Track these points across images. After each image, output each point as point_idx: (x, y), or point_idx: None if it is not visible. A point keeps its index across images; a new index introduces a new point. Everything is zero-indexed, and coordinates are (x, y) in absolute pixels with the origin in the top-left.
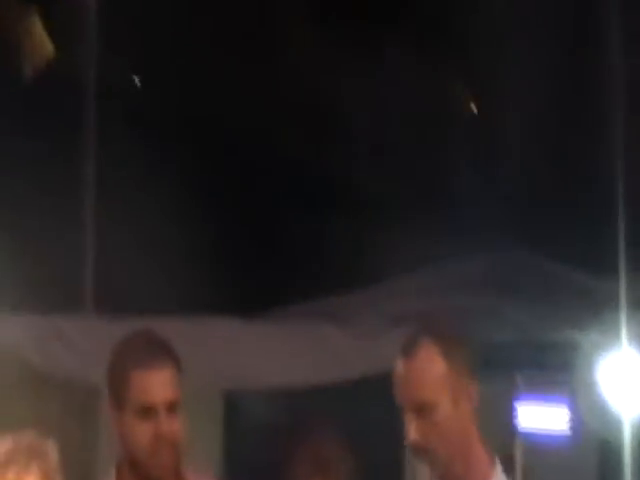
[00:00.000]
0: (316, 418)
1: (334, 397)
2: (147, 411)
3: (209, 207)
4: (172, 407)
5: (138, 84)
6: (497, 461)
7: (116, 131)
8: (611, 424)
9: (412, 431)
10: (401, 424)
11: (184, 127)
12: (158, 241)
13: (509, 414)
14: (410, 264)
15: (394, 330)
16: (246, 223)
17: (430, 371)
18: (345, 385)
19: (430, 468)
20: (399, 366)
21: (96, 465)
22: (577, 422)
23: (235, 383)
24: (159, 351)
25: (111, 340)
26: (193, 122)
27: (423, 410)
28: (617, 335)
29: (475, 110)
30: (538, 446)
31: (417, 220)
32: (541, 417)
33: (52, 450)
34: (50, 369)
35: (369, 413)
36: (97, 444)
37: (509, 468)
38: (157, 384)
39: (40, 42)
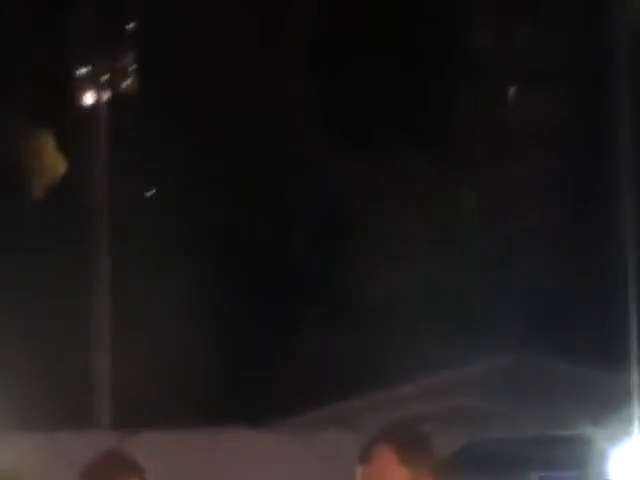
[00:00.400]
0: None
1: None
2: None
3: (219, 316)
4: None
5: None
6: None
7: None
8: None
9: None
10: None
11: (194, 239)
12: (168, 348)
13: None
14: (425, 366)
15: None
16: (259, 333)
17: (386, 475)
18: None
19: None
20: (358, 473)
21: None
22: None
23: None
24: (123, 469)
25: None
26: (204, 232)
27: None
28: (629, 429)
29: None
30: None
31: (429, 323)
32: None
33: None
34: None
35: None
36: None
37: None
38: None
39: (51, 162)
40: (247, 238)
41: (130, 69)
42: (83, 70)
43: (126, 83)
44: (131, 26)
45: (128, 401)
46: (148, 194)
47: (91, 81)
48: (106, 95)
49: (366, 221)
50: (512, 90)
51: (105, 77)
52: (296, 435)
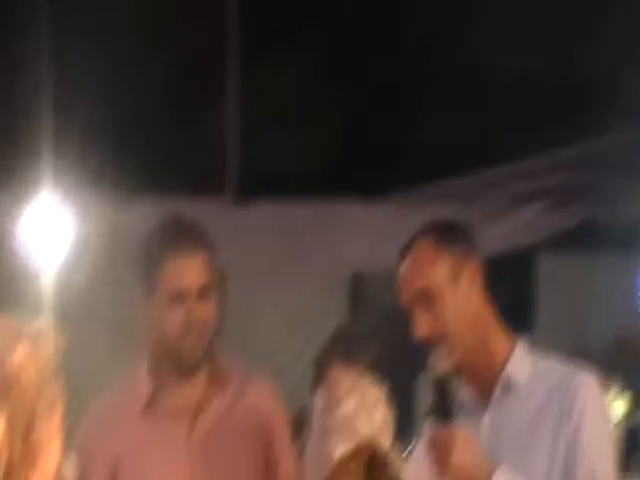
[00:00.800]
0: None
1: None
2: (179, 297)
3: (335, 90)
4: (204, 292)
5: None
6: (519, 341)
7: None
8: None
9: (419, 326)
10: None
11: None
12: (286, 118)
13: (634, 294)
14: (538, 145)
15: (518, 210)
16: (373, 107)
17: (426, 264)
18: None
19: (448, 359)
20: (399, 267)
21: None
22: None
23: (360, 267)
24: (192, 237)
25: (240, 227)
26: None
27: (425, 304)
28: None
29: None
30: None
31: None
32: None
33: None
34: None
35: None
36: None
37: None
38: (189, 270)
39: None
40: None
41: None
42: None
43: None
44: None
45: (252, 175)
46: None
47: None
48: None
49: None
50: None
51: None
52: (413, 208)
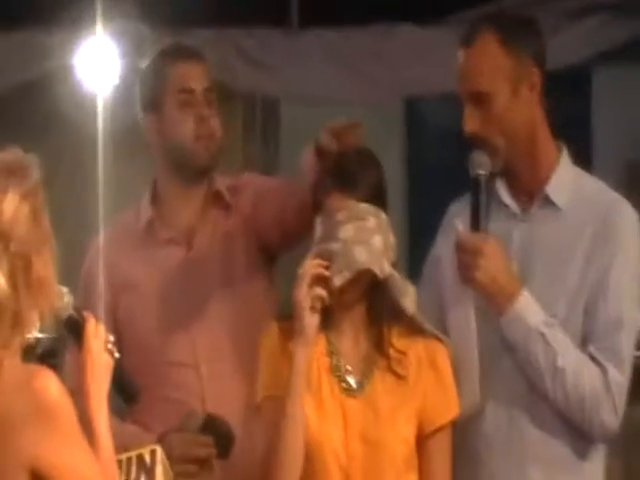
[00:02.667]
0: None
1: None
2: (188, 99)
3: None
4: (209, 97)
5: None
6: (565, 152)
7: None
8: None
9: (469, 121)
10: None
11: None
12: None
13: None
14: None
15: (575, 24)
16: None
17: (486, 59)
18: None
19: (491, 162)
20: (458, 56)
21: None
22: None
23: (415, 89)
24: (192, 50)
25: (290, 55)
26: None
27: (481, 100)
28: None
29: None
30: None
31: None
32: None
33: (35, 169)
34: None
35: None
36: (277, 157)
37: None
38: (194, 73)
39: None
40: None
41: None
42: None
43: None
44: None
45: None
46: None
47: None
48: None
49: None
50: None
51: None
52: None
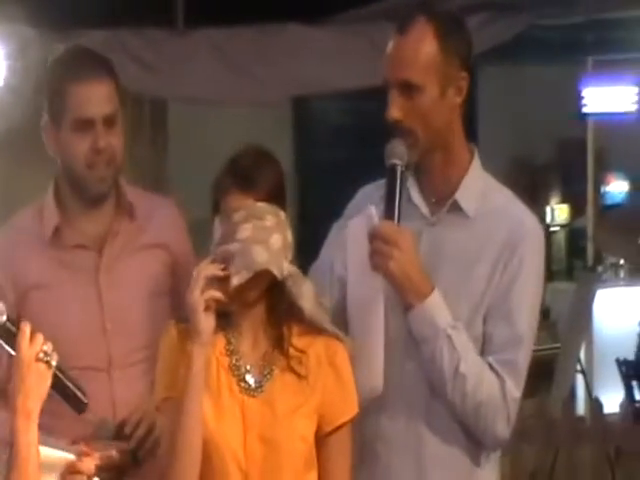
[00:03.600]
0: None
1: None
2: (84, 125)
3: None
4: (110, 121)
5: None
6: (476, 157)
7: None
8: None
9: (394, 108)
10: None
11: None
12: None
13: (578, 98)
14: None
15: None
16: None
17: (420, 50)
18: None
19: (408, 151)
20: (391, 43)
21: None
22: None
23: (302, 88)
24: (96, 65)
25: (177, 56)
26: None
27: (408, 91)
28: None
29: None
30: (607, 128)
31: None
32: (610, 99)
33: None
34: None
35: None
36: (165, 158)
37: (580, 150)
38: (94, 98)
39: None
40: None
41: None
42: None
43: None
44: None
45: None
46: None
47: None
48: None
49: None
50: None
51: None
52: (348, 30)
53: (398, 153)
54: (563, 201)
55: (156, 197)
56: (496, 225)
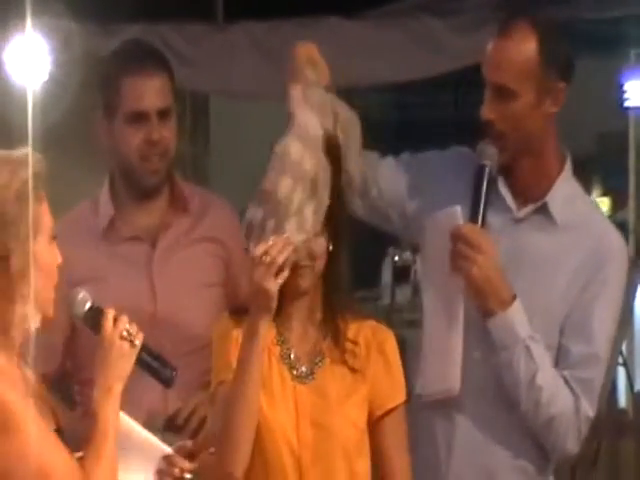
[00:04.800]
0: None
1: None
2: (138, 117)
3: None
4: (164, 114)
5: None
6: (568, 166)
7: None
8: None
9: (488, 109)
10: None
11: None
12: None
13: (619, 91)
14: None
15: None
16: None
17: (519, 56)
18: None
19: (498, 154)
20: (491, 45)
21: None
22: None
23: (341, 82)
24: (152, 59)
25: (217, 50)
26: None
27: (503, 94)
28: None
29: None
30: None
31: None
32: None
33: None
34: None
35: None
36: (206, 153)
37: (621, 143)
38: (148, 91)
39: None
40: None
41: None
42: None
43: None
44: None
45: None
46: None
47: None
48: None
49: None
50: None
51: None
52: (387, 23)
53: (489, 154)
54: (604, 194)
55: (211, 194)
56: (581, 237)
